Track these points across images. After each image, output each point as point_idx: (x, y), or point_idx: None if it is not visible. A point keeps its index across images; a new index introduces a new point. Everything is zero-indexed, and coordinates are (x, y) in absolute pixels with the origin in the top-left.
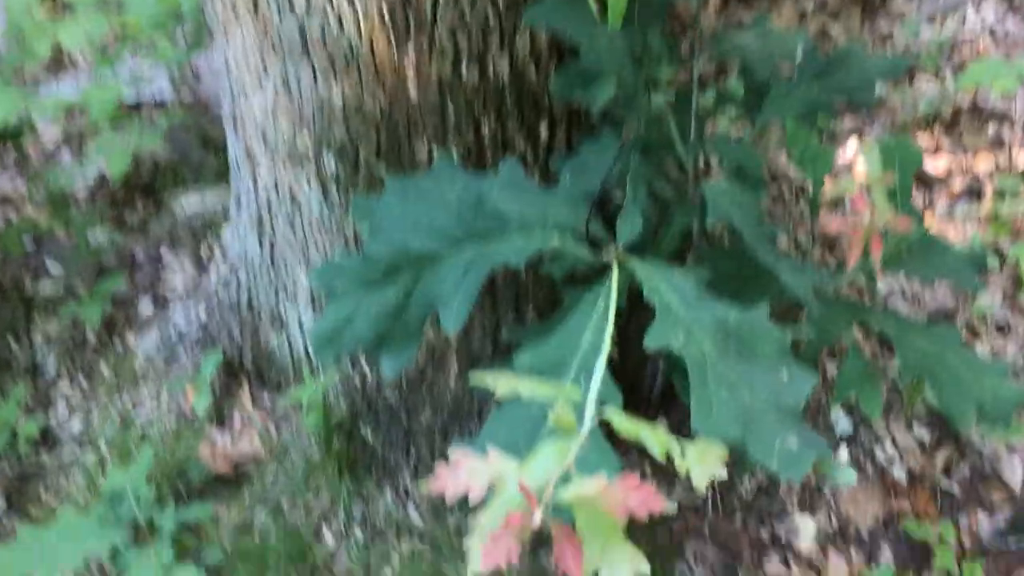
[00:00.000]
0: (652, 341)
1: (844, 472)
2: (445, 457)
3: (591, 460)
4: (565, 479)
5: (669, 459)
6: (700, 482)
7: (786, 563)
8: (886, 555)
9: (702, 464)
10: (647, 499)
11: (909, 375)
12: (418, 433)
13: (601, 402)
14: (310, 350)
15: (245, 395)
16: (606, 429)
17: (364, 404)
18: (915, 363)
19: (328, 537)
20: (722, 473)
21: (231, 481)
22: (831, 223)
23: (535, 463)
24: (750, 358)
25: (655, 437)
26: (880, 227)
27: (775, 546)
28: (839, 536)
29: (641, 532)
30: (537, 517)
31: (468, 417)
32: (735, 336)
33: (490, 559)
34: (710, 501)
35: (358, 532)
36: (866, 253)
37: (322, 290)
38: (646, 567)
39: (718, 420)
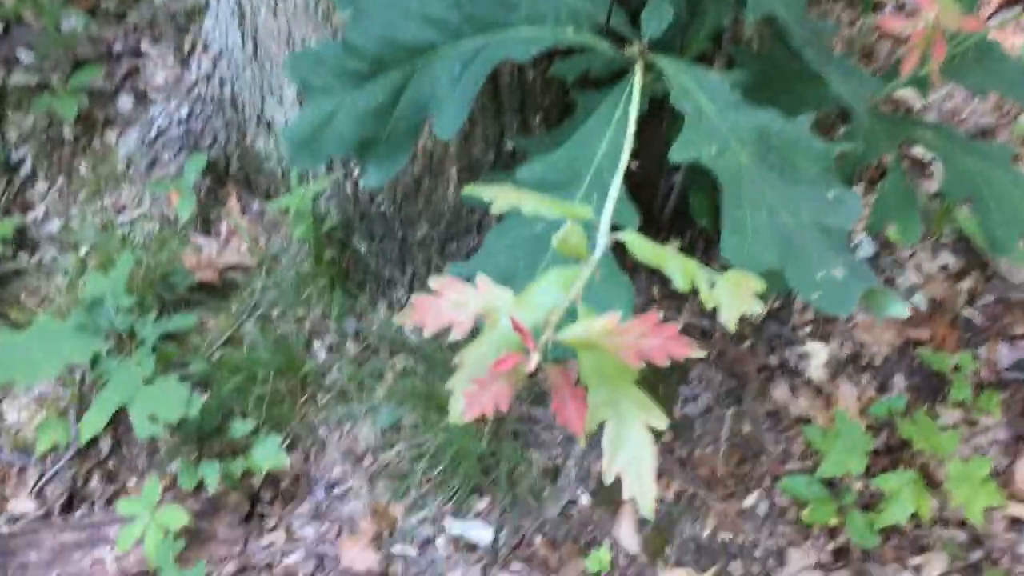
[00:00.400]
0: (679, 152)
1: (895, 304)
2: (440, 272)
3: (602, 292)
4: (570, 315)
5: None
6: (731, 318)
7: (793, 390)
8: (899, 385)
9: (734, 298)
10: (670, 343)
11: (953, 195)
12: (414, 246)
13: (616, 225)
14: (284, 154)
15: (232, 201)
16: (618, 255)
17: (357, 214)
18: (961, 182)
19: (319, 351)
20: (756, 308)
21: (217, 291)
22: (889, 22)
23: (534, 294)
24: (792, 175)
25: (681, 266)
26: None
27: (783, 372)
28: (851, 364)
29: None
30: (533, 360)
31: (467, 231)
32: (776, 148)
33: (475, 407)
34: (718, 323)
35: (350, 347)
36: (924, 59)
37: (297, 82)
38: (662, 420)
39: (753, 245)
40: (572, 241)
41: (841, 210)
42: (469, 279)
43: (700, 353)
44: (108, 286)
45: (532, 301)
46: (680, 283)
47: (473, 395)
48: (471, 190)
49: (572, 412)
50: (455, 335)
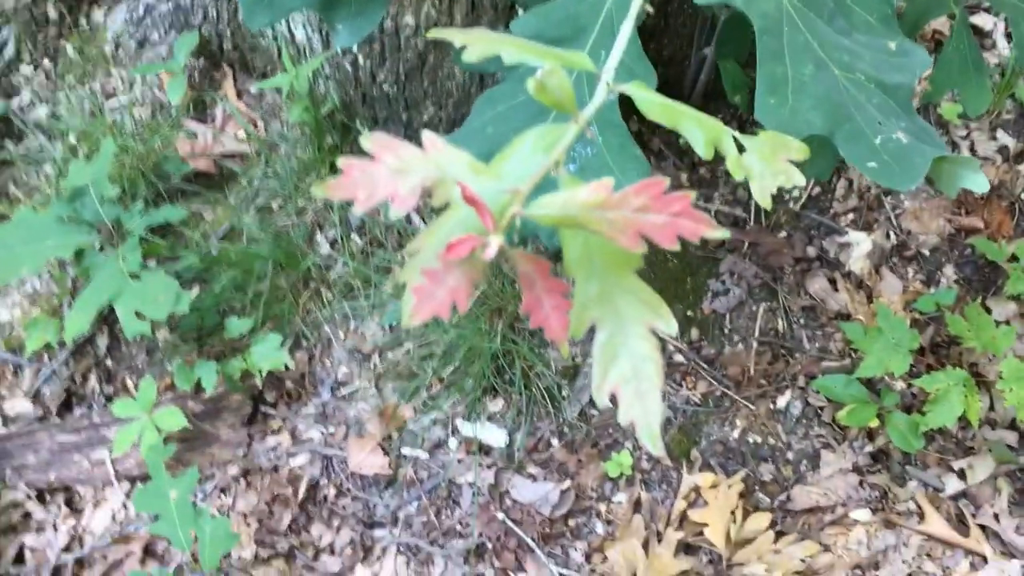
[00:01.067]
0: None
1: (973, 175)
2: None
3: (604, 167)
4: (552, 186)
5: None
6: (765, 191)
7: (832, 283)
8: (948, 277)
9: (769, 166)
10: (681, 219)
11: None
12: (420, 129)
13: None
14: (240, 14)
15: (228, 85)
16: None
17: (358, 95)
18: None
19: (322, 244)
20: (798, 179)
21: (214, 180)
22: None
23: (506, 160)
24: (845, 21)
25: (701, 126)
26: None
27: (822, 264)
28: (896, 255)
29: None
30: (494, 244)
31: None
32: None
33: (425, 306)
34: (752, 213)
35: (355, 239)
36: None
37: None
38: (671, 323)
39: (796, 105)
40: (552, 85)
41: (905, 63)
42: None
43: (722, 233)
44: (91, 175)
45: (502, 169)
46: (701, 148)
47: (423, 291)
48: (434, 32)
49: (549, 313)
50: (395, 212)
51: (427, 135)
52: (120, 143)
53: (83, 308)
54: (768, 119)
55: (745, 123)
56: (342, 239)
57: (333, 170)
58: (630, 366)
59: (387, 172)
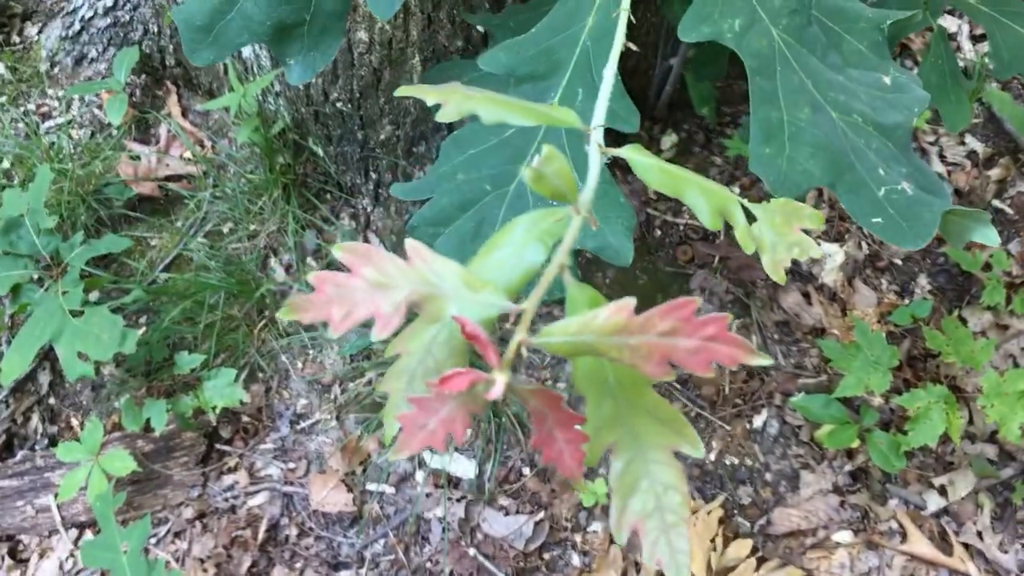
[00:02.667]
0: (690, 28)
1: (982, 228)
2: (409, 179)
3: (597, 234)
4: (556, 286)
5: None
6: (777, 265)
7: (806, 297)
8: (922, 287)
9: (784, 238)
10: (717, 344)
11: (1006, 70)
12: (377, 149)
13: (609, 129)
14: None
15: (172, 102)
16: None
17: (310, 113)
18: (1013, 53)
19: (276, 270)
20: (814, 252)
21: (159, 205)
22: None
23: (497, 248)
24: (837, 55)
25: (706, 193)
26: None
27: (795, 278)
28: (869, 266)
29: (636, 262)
30: (500, 385)
31: (436, 130)
32: (817, 19)
33: (414, 440)
34: (723, 227)
35: (312, 264)
36: None
37: None
38: (697, 445)
39: (792, 155)
40: (552, 171)
41: (902, 100)
42: (418, 205)
43: (763, 359)
44: (26, 204)
45: (492, 272)
46: (706, 219)
47: (412, 422)
48: (406, 90)
49: (563, 448)
50: (377, 335)
51: (412, 244)
52: (58, 167)
53: (21, 349)
54: (765, 171)
55: (711, 133)
56: (297, 264)
57: (287, 193)
58: (652, 497)
59: (366, 287)
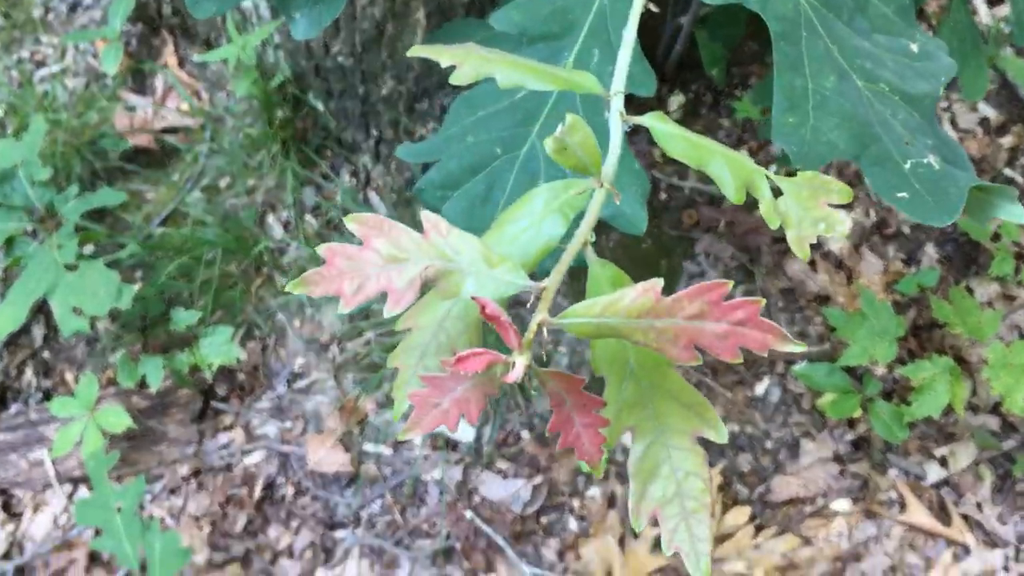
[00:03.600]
0: None
1: (1012, 207)
2: (411, 136)
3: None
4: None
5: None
6: (803, 243)
7: (811, 263)
8: (930, 256)
9: (810, 213)
10: (747, 328)
11: None
12: (378, 104)
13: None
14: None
15: (168, 52)
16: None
17: (311, 67)
18: None
19: (274, 226)
20: (841, 227)
21: (155, 157)
22: None
23: (513, 220)
24: (863, 19)
25: (731, 164)
26: None
27: None
28: (877, 233)
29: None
30: (519, 367)
31: (440, 86)
32: None
33: (426, 419)
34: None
35: (311, 221)
36: None
37: None
38: (721, 431)
39: (818, 125)
40: (576, 142)
41: (929, 68)
42: (424, 169)
43: (796, 346)
44: (20, 155)
45: (508, 246)
46: (731, 191)
47: (424, 401)
48: (419, 50)
49: (580, 431)
50: (390, 309)
51: (428, 216)
52: (52, 118)
53: (15, 303)
54: (788, 142)
55: (720, 94)
56: (296, 221)
57: (285, 148)
58: (673, 484)
59: (379, 261)
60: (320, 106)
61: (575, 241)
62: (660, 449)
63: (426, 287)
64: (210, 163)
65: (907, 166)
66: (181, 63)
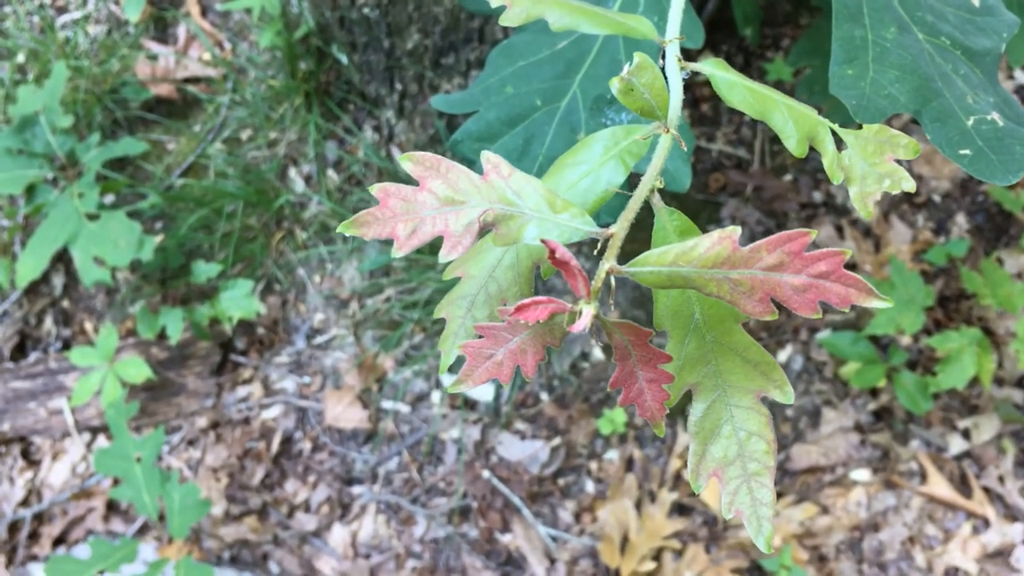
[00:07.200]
0: None
1: None
2: (436, 91)
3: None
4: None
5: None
6: (866, 200)
7: (839, 231)
8: (960, 226)
9: (875, 168)
10: (830, 281)
11: None
12: (403, 58)
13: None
14: None
15: (192, 2)
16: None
17: (335, 18)
18: None
19: (296, 180)
20: (907, 185)
21: (176, 107)
22: None
23: (570, 165)
24: None
25: (794, 116)
26: None
27: (828, 210)
28: (906, 201)
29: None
30: (587, 316)
31: (467, 40)
32: None
33: (480, 372)
34: (757, 155)
35: (332, 176)
36: None
37: None
38: (789, 392)
39: (877, 78)
40: (644, 83)
41: (991, 24)
42: (459, 122)
43: (880, 301)
44: (42, 101)
45: (564, 194)
46: (793, 144)
47: (477, 352)
48: None
49: (644, 387)
50: (446, 254)
51: (489, 157)
52: (73, 65)
53: (35, 252)
54: (846, 94)
55: (751, 55)
56: (318, 175)
57: (308, 101)
58: (735, 444)
59: (435, 203)
60: (344, 59)
61: (642, 187)
62: (722, 408)
63: (483, 232)
64: (232, 114)
65: (970, 122)
66: (204, 12)
